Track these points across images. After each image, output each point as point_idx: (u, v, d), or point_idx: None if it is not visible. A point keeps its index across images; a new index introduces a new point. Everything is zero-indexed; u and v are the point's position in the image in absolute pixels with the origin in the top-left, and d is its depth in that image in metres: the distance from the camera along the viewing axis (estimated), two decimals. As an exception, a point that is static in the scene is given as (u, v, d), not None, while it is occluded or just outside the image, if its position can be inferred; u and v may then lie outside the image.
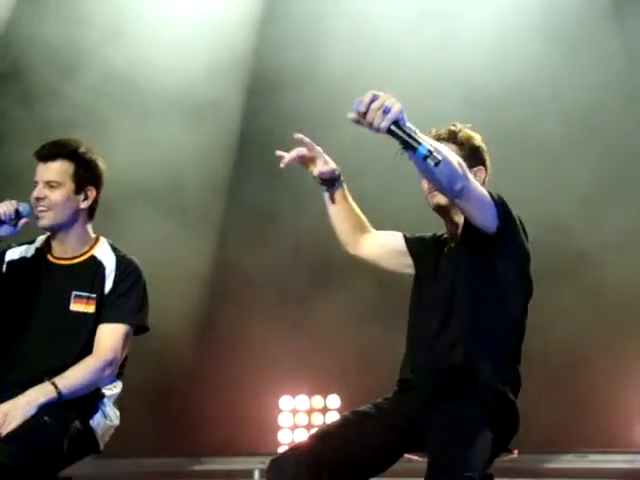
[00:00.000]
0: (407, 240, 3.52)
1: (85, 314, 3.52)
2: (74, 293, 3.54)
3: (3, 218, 3.45)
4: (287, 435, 8.98)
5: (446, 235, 3.42)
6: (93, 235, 3.65)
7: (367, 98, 2.70)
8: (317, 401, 9.02)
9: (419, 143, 2.69)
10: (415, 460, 3.31)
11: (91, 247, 3.62)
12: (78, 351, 3.48)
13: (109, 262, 3.59)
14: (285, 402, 9.03)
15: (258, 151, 8.86)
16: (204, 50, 8.62)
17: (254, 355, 8.67)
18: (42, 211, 3.53)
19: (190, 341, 9.03)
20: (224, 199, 9.23)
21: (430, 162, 2.69)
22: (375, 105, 2.68)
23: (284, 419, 9.03)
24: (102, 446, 3.57)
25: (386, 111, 2.68)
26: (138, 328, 3.60)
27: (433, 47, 8.09)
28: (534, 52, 8.03)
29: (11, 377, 3.47)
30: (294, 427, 9.01)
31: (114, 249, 3.63)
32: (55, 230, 3.58)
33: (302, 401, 9.03)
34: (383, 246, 3.54)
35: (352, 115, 2.75)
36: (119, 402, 3.63)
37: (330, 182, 3.48)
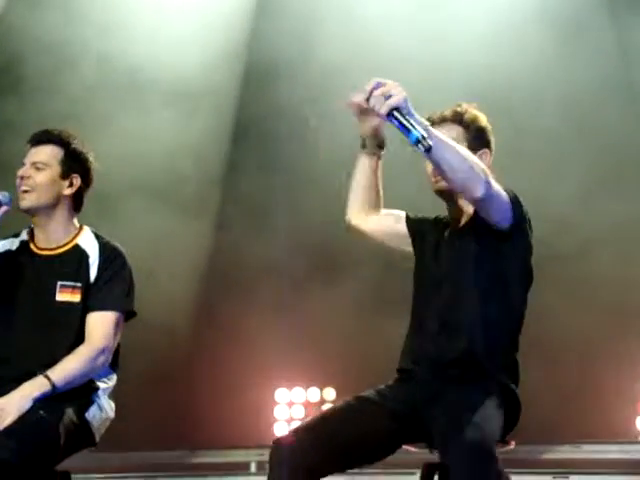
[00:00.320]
0: (408, 221, 3.49)
1: (71, 304, 3.49)
2: (59, 283, 3.51)
3: None
4: (283, 427, 8.99)
5: (447, 219, 3.39)
6: (77, 225, 3.63)
7: (370, 85, 2.86)
8: (313, 393, 9.04)
9: (414, 128, 2.80)
10: (412, 452, 3.31)
11: (75, 236, 3.59)
12: (69, 342, 3.45)
13: (93, 250, 3.56)
14: (281, 394, 9.04)
15: (253, 141, 8.86)
16: (199, 43, 8.63)
17: (250, 347, 8.68)
18: (25, 191, 3.51)
19: (186, 334, 9.03)
20: (220, 189, 9.23)
21: (421, 147, 2.80)
22: (378, 92, 2.84)
23: (280, 411, 9.04)
24: (98, 439, 3.55)
25: (387, 98, 2.82)
26: (127, 314, 3.58)
27: (430, 40, 8.09)
28: (532, 46, 8.04)
29: (4, 372, 3.44)
30: (290, 420, 9.02)
31: (97, 237, 3.61)
32: (35, 213, 3.55)
33: (298, 393, 9.05)
34: (387, 227, 3.52)
35: (358, 98, 2.95)
36: (115, 394, 3.62)
37: (375, 144, 3.41)
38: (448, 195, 3.28)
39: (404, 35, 8.25)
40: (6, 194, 3.49)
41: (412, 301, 3.37)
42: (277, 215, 8.94)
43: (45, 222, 3.56)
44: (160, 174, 8.71)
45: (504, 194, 3.10)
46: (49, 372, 3.36)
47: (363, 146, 3.44)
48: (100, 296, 3.50)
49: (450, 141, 2.96)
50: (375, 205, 3.52)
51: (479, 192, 2.97)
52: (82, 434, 3.46)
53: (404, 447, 3.27)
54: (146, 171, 8.64)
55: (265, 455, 7.36)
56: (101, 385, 3.55)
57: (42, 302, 3.50)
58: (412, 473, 4.42)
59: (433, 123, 3.11)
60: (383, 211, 3.56)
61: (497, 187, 3.07)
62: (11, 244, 3.61)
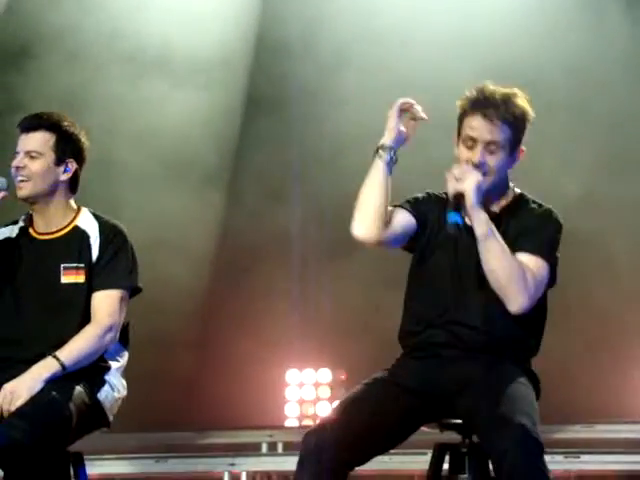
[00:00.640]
0: (411, 211, 3.29)
1: (76, 284, 3.49)
2: (63, 265, 3.51)
3: None
4: (294, 408, 9.01)
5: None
6: (75, 206, 3.62)
7: (463, 166, 3.08)
8: (324, 374, 9.05)
9: (457, 214, 3.05)
10: (428, 432, 3.30)
11: (73, 218, 3.59)
12: (77, 323, 3.45)
13: (92, 230, 3.56)
14: (292, 375, 9.05)
15: (266, 116, 8.83)
16: (211, 20, 8.62)
17: (261, 327, 8.69)
18: (21, 181, 3.50)
19: (197, 314, 9.04)
20: (233, 164, 9.21)
21: (448, 228, 3.05)
22: (455, 171, 3.08)
23: (291, 392, 9.06)
24: (111, 419, 3.55)
25: (459, 179, 3.05)
26: (132, 290, 3.58)
27: (449, 14, 8.07)
28: (548, 24, 8.00)
29: (13, 354, 3.45)
30: (301, 400, 9.04)
31: (96, 216, 3.60)
32: (34, 201, 3.55)
33: (309, 374, 9.06)
34: (400, 233, 3.29)
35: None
36: (127, 375, 3.62)
37: (397, 145, 3.24)
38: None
39: (429, 8, 8.26)
40: (2, 180, 3.48)
41: (414, 285, 3.32)
42: (290, 190, 8.92)
43: (44, 208, 3.56)
44: (173, 149, 8.71)
45: (544, 281, 3.12)
46: (58, 353, 3.36)
47: (389, 148, 3.21)
48: (103, 275, 3.49)
49: (502, 250, 3.03)
50: (385, 218, 3.22)
51: (516, 308, 3.07)
52: (94, 415, 3.46)
53: (422, 428, 3.26)
54: (159, 146, 8.65)
55: (275, 436, 7.44)
56: (113, 364, 3.55)
57: (47, 285, 3.50)
58: (423, 453, 4.40)
59: (480, 109, 3.08)
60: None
61: (541, 279, 3.09)
62: (10, 231, 3.62)
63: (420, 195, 3.34)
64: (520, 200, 3.26)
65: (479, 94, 3.13)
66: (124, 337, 3.61)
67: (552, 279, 3.18)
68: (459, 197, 3.04)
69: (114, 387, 3.53)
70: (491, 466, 3.08)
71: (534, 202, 3.27)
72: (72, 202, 3.62)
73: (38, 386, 3.30)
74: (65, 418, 3.25)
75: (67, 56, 8.53)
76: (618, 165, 8.17)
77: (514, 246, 3.10)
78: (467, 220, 3.16)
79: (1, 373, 3.41)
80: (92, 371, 3.46)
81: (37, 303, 3.50)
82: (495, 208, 3.22)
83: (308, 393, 9.07)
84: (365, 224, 3.20)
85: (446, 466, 3.23)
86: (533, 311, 3.12)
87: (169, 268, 8.60)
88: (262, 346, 8.61)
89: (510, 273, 3.03)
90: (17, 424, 3.15)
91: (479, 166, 3.10)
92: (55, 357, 3.36)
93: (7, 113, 7.64)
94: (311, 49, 8.76)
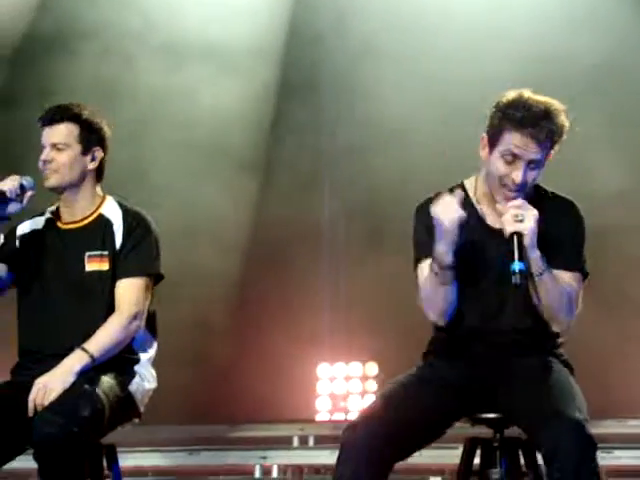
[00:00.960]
0: None
1: (101, 272, 3.50)
2: (87, 254, 3.52)
3: (9, 195, 3.42)
4: (325, 402, 9.01)
5: (471, 196, 3.26)
6: (100, 194, 3.63)
7: (517, 202, 3.04)
8: (355, 368, 9.04)
9: (519, 260, 2.97)
10: (459, 426, 3.29)
11: (98, 206, 3.60)
12: (104, 311, 3.46)
13: (116, 218, 3.56)
14: (323, 369, 9.05)
15: (298, 103, 8.80)
16: (245, 13, 8.63)
17: (292, 321, 8.69)
18: (49, 171, 3.52)
19: (229, 307, 9.05)
20: (265, 154, 9.20)
21: (513, 278, 2.96)
22: (514, 210, 3.03)
23: (322, 386, 9.06)
24: (142, 410, 3.57)
25: (519, 219, 3.01)
26: (156, 278, 3.58)
27: (481, 4, 8.04)
28: (582, 14, 7.95)
29: (45, 348, 3.47)
30: (332, 395, 9.04)
31: (120, 204, 3.61)
32: (62, 190, 3.56)
33: (340, 368, 9.05)
34: None
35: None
36: (158, 366, 3.63)
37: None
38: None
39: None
40: (30, 179, 3.49)
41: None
42: (321, 179, 8.89)
43: (72, 197, 3.57)
44: (207, 138, 8.72)
45: (581, 290, 3.19)
46: (85, 345, 3.38)
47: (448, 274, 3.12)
48: (127, 263, 3.50)
49: (554, 284, 3.07)
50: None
51: (560, 328, 3.18)
52: (126, 407, 3.47)
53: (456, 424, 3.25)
54: (193, 136, 8.66)
55: (307, 430, 7.44)
56: (142, 355, 3.56)
57: (73, 274, 3.51)
58: (454, 447, 4.39)
59: (526, 128, 3.03)
60: None
61: (580, 294, 3.18)
62: (36, 223, 3.63)
63: (424, 234, 3.23)
64: (540, 193, 3.25)
65: (523, 110, 3.05)
66: (152, 327, 3.62)
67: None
68: (520, 238, 3.00)
69: (144, 378, 3.54)
70: (522, 460, 3.07)
71: (553, 194, 3.27)
72: (98, 190, 3.63)
73: (70, 379, 3.31)
74: (98, 411, 3.25)
75: (102, 48, 8.60)
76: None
77: (553, 260, 3.11)
78: (490, 222, 3.21)
79: (33, 365, 3.45)
80: (122, 363, 3.48)
81: (64, 294, 3.51)
82: None
83: (339, 387, 9.07)
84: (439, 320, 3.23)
85: (477, 460, 3.22)
86: None
87: (202, 256, 8.63)
88: (293, 340, 8.62)
89: (561, 303, 3.11)
90: (51, 418, 3.16)
91: (520, 185, 3.08)
92: (84, 349, 3.37)
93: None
94: (342, 38, 8.75)
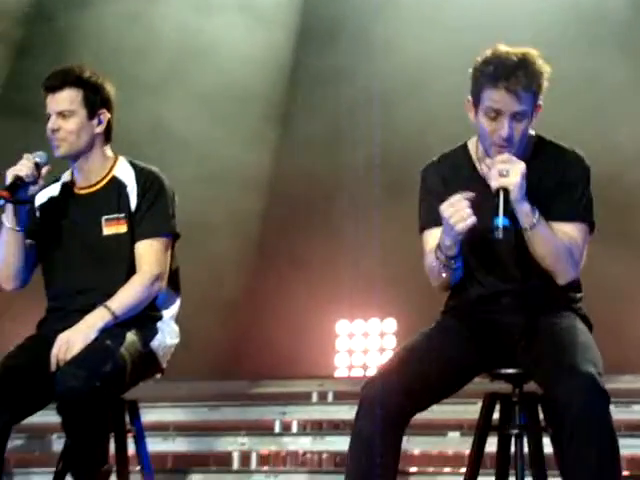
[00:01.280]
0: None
1: (119, 235, 3.50)
2: (104, 217, 3.51)
3: (27, 180, 3.40)
4: (344, 359, 9.05)
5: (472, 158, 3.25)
6: (111, 155, 3.61)
7: (503, 156, 2.99)
8: (374, 324, 9.06)
9: (503, 215, 2.91)
10: (479, 382, 3.29)
11: (111, 168, 3.58)
12: (125, 272, 3.47)
13: (129, 179, 3.54)
14: (342, 326, 9.08)
15: (317, 56, 8.75)
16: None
17: (313, 278, 8.70)
18: (57, 140, 3.49)
19: (250, 265, 9.07)
20: (287, 104, 9.17)
21: (495, 234, 2.90)
22: (499, 165, 2.99)
23: (340, 343, 9.10)
24: (164, 366, 3.58)
25: (504, 174, 2.96)
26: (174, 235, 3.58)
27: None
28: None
29: (69, 306, 3.50)
30: (350, 351, 9.08)
31: (133, 165, 3.59)
32: (74, 157, 3.55)
33: (358, 325, 9.08)
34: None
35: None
36: (181, 322, 3.64)
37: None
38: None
39: None
40: (42, 154, 3.46)
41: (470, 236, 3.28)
42: (341, 131, 8.80)
43: (83, 162, 3.56)
44: (228, 88, 8.69)
45: (586, 244, 3.13)
46: (108, 303, 3.39)
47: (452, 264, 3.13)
48: (143, 224, 3.49)
49: (548, 236, 3.02)
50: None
51: (564, 280, 3.11)
52: (148, 362, 3.49)
53: (476, 379, 3.26)
54: (215, 84, 8.64)
55: (326, 385, 7.47)
56: (164, 313, 3.57)
57: (91, 238, 3.51)
58: (473, 403, 4.41)
59: (501, 81, 3.00)
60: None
61: (584, 246, 3.12)
62: (53, 190, 3.63)
63: (427, 200, 3.25)
64: (541, 144, 3.21)
65: (496, 64, 3.02)
66: (174, 284, 3.62)
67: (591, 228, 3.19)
68: (506, 194, 2.96)
69: (166, 335, 3.55)
70: (542, 415, 3.07)
71: (555, 144, 3.22)
72: (108, 151, 3.61)
73: (92, 335, 3.32)
74: (120, 366, 3.28)
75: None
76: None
77: (552, 211, 3.08)
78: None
79: (57, 323, 3.46)
80: (144, 320, 3.48)
81: (84, 257, 3.52)
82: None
83: (358, 343, 9.10)
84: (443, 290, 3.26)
85: (496, 415, 3.23)
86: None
87: (224, 211, 8.64)
88: (313, 297, 8.64)
89: (557, 255, 3.06)
90: (73, 372, 3.18)
91: (507, 139, 3.04)
92: (106, 307, 3.38)
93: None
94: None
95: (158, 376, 3.61)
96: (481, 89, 3.05)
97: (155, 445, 4.27)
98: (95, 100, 3.53)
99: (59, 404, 3.20)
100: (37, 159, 3.44)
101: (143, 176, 3.55)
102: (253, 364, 8.34)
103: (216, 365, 8.20)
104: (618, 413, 5.50)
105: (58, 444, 5.47)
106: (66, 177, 3.64)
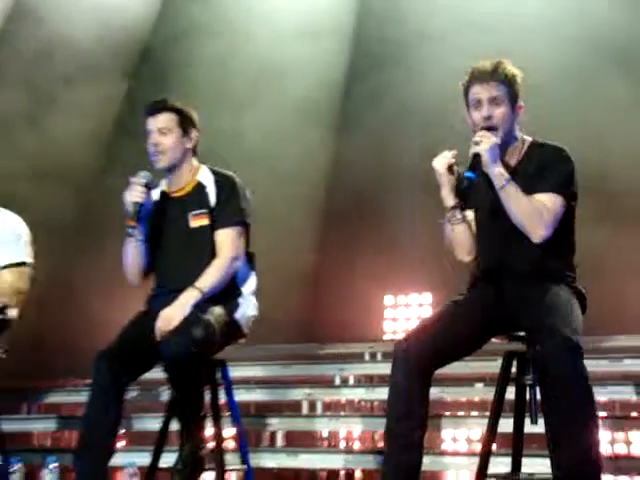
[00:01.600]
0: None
1: (202, 227, 3.54)
2: (191, 214, 3.56)
3: (142, 202, 3.46)
4: (390, 325, 9.05)
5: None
6: (196, 164, 3.65)
7: (481, 132, 3.04)
8: (413, 298, 9.03)
9: (472, 171, 3.00)
10: (497, 342, 3.26)
11: (195, 174, 3.62)
12: (208, 258, 3.50)
13: (209, 182, 3.59)
14: (388, 299, 9.09)
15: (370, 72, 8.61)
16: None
17: (365, 262, 8.65)
18: (158, 154, 3.54)
19: (315, 250, 9.02)
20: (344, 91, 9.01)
21: (463, 182, 3.01)
22: (476, 138, 3.04)
23: (388, 313, 9.09)
24: (246, 332, 3.60)
25: (476, 144, 3.01)
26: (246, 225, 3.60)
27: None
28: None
29: (167, 286, 3.54)
30: (395, 319, 9.08)
31: (212, 171, 3.63)
32: (170, 169, 3.60)
33: (401, 298, 9.08)
34: None
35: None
36: (259, 297, 3.65)
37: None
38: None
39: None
40: (147, 174, 3.51)
41: (478, 219, 3.26)
42: (400, 119, 8.62)
43: (177, 172, 3.60)
44: (292, 105, 8.64)
45: (560, 209, 3.04)
46: (196, 283, 3.43)
47: (457, 215, 3.15)
48: (221, 217, 3.53)
49: (517, 196, 2.98)
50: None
51: (538, 239, 3.02)
52: (233, 330, 3.51)
53: (493, 340, 3.23)
54: (280, 105, 8.60)
55: (375, 347, 7.44)
56: (244, 289, 3.60)
57: (182, 232, 3.56)
58: (494, 359, 4.36)
59: (478, 78, 3.07)
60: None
61: (556, 212, 3.02)
62: (154, 196, 3.66)
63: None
64: (533, 146, 3.18)
65: (473, 69, 3.13)
66: (251, 264, 3.66)
67: (574, 200, 3.11)
68: (477, 158, 3.01)
69: (247, 307, 3.58)
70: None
71: (546, 145, 3.18)
72: (194, 161, 3.65)
73: (187, 310, 3.36)
74: (210, 334, 3.30)
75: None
76: None
77: (534, 189, 3.04)
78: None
79: (159, 299, 3.52)
80: (228, 295, 3.52)
81: (177, 246, 3.57)
82: (513, 161, 3.16)
83: (401, 313, 9.11)
84: (462, 254, 3.24)
85: (513, 369, 3.20)
86: (558, 237, 3.05)
87: (294, 203, 8.62)
88: (366, 276, 8.61)
89: (526, 212, 3.00)
90: (176, 340, 3.23)
91: (488, 118, 3.08)
92: (195, 287, 3.42)
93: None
94: (403, 17, 8.56)
95: (242, 341, 3.63)
96: (467, 91, 3.14)
97: (240, 396, 4.28)
98: (186, 121, 3.58)
99: (165, 366, 3.26)
100: (143, 179, 3.49)
101: (220, 179, 3.59)
102: (318, 330, 8.34)
103: (287, 331, 8.21)
104: (611, 367, 5.44)
105: (164, 395, 5.53)
106: (162, 185, 3.69)
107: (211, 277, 3.45)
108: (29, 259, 3.95)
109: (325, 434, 6.57)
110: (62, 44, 8.32)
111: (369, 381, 6.79)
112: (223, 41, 8.64)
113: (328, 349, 7.37)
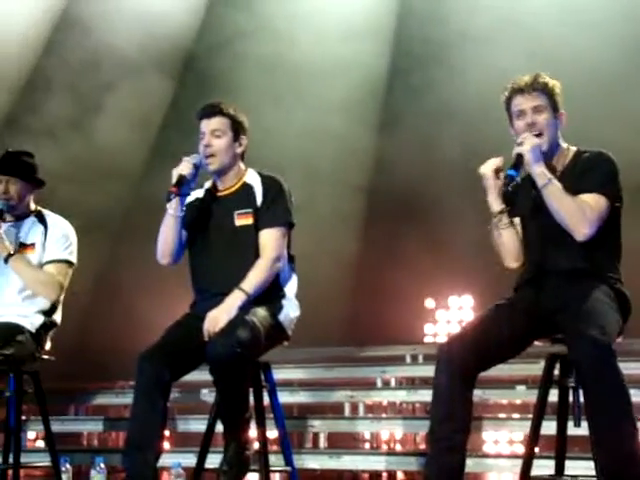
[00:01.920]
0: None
1: (247, 226, 3.55)
2: (236, 212, 3.57)
3: (189, 177, 3.49)
4: (431, 328, 9.00)
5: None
6: (244, 168, 3.68)
7: (525, 134, 3.10)
8: (454, 301, 8.99)
9: (516, 170, 3.05)
10: (539, 345, 3.24)
11: (242, 176, 3.65)
12: (252, 257, 3.51)
13: (256, 183, 3.61)
14: (429, 303, 9.04)
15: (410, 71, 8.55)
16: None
17: (407, 266, 8.62)
18: (211, 156, 3.56)
19: (358, 254, 9.00)
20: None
21: (506, 180, 3.04)
22: (519, 139, 3.11)
23: (429, 316, 9.05)
24: (290, 334, 3.61)
25: (519, 144, 3.08)
26: (290, 225, 3.61)
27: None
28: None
29: (212, 289, 3.54)
30: (436, 322, 9.03)
31: (259, 173, 3.66)
32: (219, 173, 3.62)
33: (442, 301, 9.03)
34: None
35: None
36: (302, 300, 3.65)
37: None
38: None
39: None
40: (197, 156, 3.55)
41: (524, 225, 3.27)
42: (443, 119, 8.57)
43: (226, 174, 3.63)
44: (335, 103, 8.62)
45: (604, 208, 3.04)
46: (242, 285, 3.43)
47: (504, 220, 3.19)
48: (267, 217, 3.54)
49: (559, 194, 3.00)
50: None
51: (580, 237, 3.02)
52: (277, 332, 3.52)
53: (535, 343, 3.22)
54: (323, 102, 8.59)
55: (417, 349, 7.40)
56: (287, 291, 3.61)
57: (227, 230, 3.57)
58: (536, 362, 4.34)
59: (519, 90, 3.14)
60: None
61: (600, 210, 3.03)
62: (198, 194, 3.70)
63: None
64: (578, 154, 3.20)
65: (513, 83, 3.19)
66: (292, 266, 3.67)
67: (618, 201, 3.11)
68: (520, 159, 3.05)
69: (290, 309, 3.58)
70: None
71: (589, 151, 3.20)
72: (242, 165, 3.68)
73: (233, 312, 3.37)
74: (255, 336, 3.31)
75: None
76: None
77: (578, 191, 3.05)
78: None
79: (205, 302, 3.53)
80: (272, 297, 3.52)
81: (221, 244, 3.57)
82: (558, 169, 3.17)
83: (443, 316, 9.07)
84: (509, 260, 3.27)
85: (556, 372, 3.18)
86: (602, 238, 3.04)
87: (327, 200, 8.60)
88: (407, 280, 8.58)
89: (569, 210, 3.00)
90: (222, 342, 3.24)
91: (532, 124, 3.12)
92: (240, 289, 3.43)
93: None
94: (445, 17, 8.52)
95: (285, 343, 3.64)
96: (509, 104, 3.20)
97: (284, 398, 4.31)
98: (238, 127, 3.61)
99: (211, 367, 3.27)
100: (194, 161, 3.53)
101: (267, 181, 3.61)
102: (360, 333, 8.33)
103: (330, 334, 8.22)
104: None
105: (209, 397, 5.57)
106: (208, 184, 3.72)
107: (256, 278, 3.47)
108: (73, 259, 4.13)
109: (367, 436, 6.57)
110: (108, 53, 8.45)
111: (410, 383, 6.76)
112: (267, 47, 8.68)
113: (370, 352, 7.36)
